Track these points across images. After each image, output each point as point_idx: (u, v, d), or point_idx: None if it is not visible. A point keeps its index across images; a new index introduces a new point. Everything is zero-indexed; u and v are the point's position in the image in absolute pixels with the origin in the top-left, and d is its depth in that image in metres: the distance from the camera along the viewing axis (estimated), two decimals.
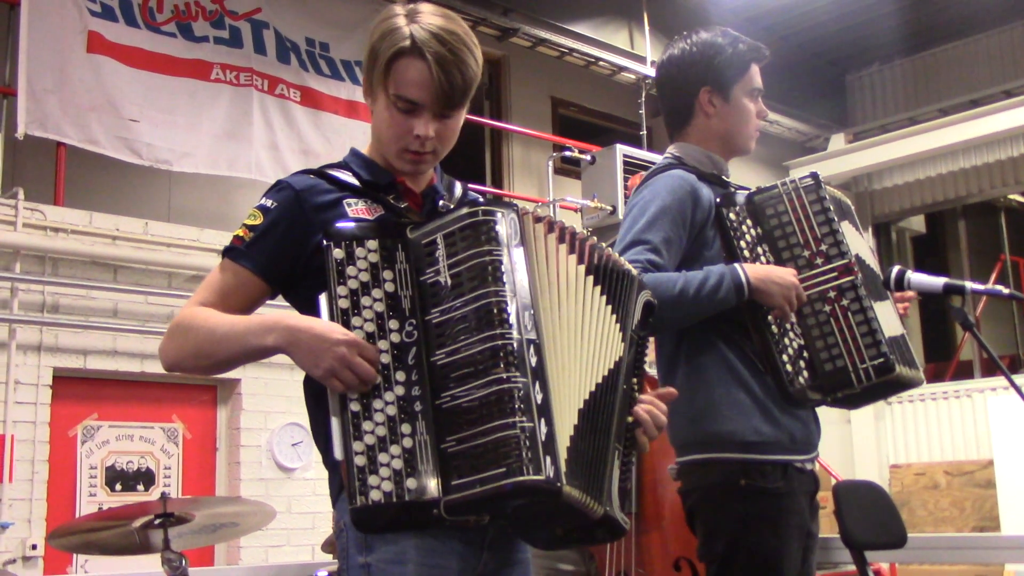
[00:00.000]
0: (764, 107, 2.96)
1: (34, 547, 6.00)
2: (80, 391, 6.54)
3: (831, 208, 2.77)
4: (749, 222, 2.77)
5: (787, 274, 2.66)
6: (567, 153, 8.68)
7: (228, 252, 2.12)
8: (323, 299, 1.96)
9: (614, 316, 2.09)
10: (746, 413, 2.67)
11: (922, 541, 4.16)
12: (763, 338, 2.67)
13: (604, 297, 2.09)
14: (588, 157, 8.46)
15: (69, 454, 6.50)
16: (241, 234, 2.12)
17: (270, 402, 7.16)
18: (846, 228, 2.80)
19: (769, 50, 2.98)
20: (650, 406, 2.10)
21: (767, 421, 2.67)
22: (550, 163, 8.99)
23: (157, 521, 2.76)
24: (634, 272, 2.18)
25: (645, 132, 10.11)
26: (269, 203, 2.12)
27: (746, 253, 2.73)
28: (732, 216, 2.76)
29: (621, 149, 8.46)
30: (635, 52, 10.40)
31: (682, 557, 2.97)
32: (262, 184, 7.57)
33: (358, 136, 7.84)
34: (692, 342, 2.74)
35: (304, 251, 2.03)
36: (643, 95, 10.22)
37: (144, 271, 6.82)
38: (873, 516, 3.40)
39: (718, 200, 2.79)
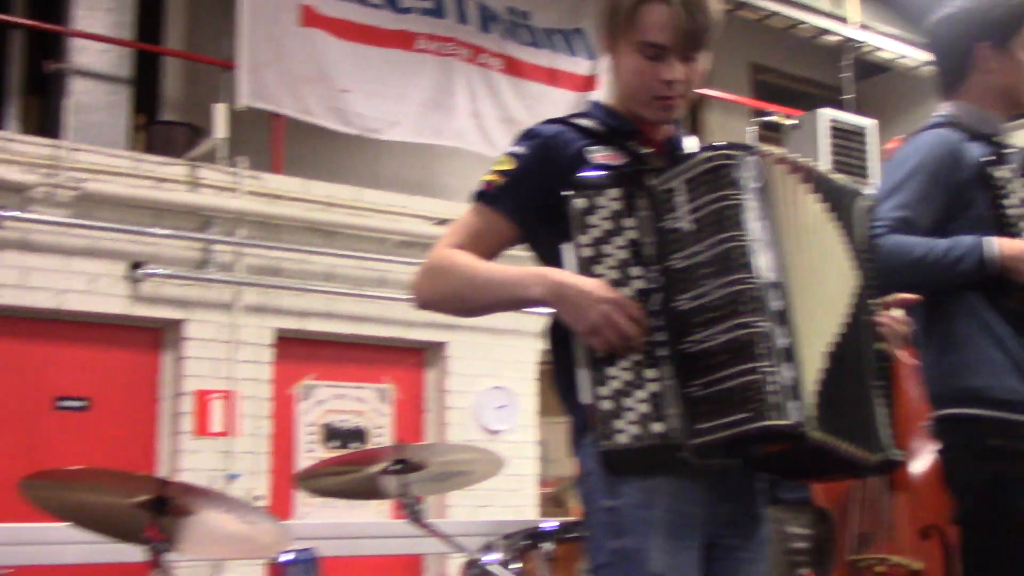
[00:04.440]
0: None
1: (258, 497, 6.32)
2: (299, 351, 6.84)
3: None
4: (1022, 182, 2.68)
5: None
6: (769, 118, 8.48)
7: (481, 196, 2.15)
8: (566, 248, 1.98)
9: (849, 248, 2.06)
10: (1000, 371, 2.58)
11: None
12: (1021, 301, 2.58)
13: (841, 232, 2.05)
14: (793, 121, 8.26)
15: (289, 411, 6.80)
16: (493, 179, 2.14)
17: (476, 365, 7.31)
18: None
19: None
20: (888, 320, 2.09)
21: (1023, 381, 2.58)
22: (750, 129, 8.81)
23: (395, 467, 2.86)
24: (861, 192, 2.15)
25: (853, 96, 9.78)
26: (520, 150, 2.14)
27: (1009, 213, 2.63)
28: (1000, 175, 2.67)
29: (826, 113, 8.23)
30: (838, 14, 10.05)
31: (932, 526, 2.84)
32: (465, 152, 7.74)
33: (560, 104, 7.87)
34: (948, 297, 2.66)
35: (550, 198, 2.04)
36: (848, 58, 9.88)
37: (357, 236, 7.05)
38: None
39: (986, 159, 2.70)
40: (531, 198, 2.11)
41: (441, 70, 7.76)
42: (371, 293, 6.98)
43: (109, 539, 2.97)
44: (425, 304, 2.17)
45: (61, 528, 3.75)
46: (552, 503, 7.85)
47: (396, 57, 7.58)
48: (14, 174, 5.90)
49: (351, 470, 2.99)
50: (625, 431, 1.88)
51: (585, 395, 1.92)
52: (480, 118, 7.88)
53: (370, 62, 7.45)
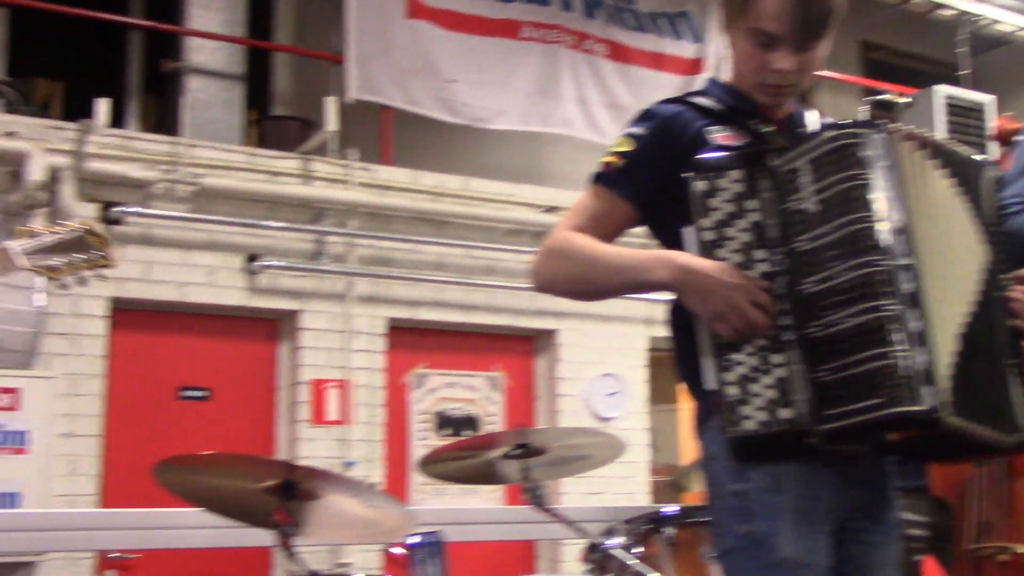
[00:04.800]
0: None
1: (374, 484, 6.41)
2: (411, 340, 6.92)
3: None
4: None
5: None
6: (881, 97, 8.28)
7: (600, 178, 2.14)
8: (687, 232, 1.97)
9: (978, 222, 2.01)
10: None
11: None
12: None
13: (969, 207, 2.00)
14: (907, 99, 8.05)
15: (402, 399, 6.90)
16: (612, 160, 2.13)
17: (586, 352, 7.31)
18: None
19: None
20: (1020, 295, 2.03)
21: None
22: (862, 109, 8.61)
23: (516, 451, 2.88)
24: (987, 163, 2.09)
25: (968, 72, 9.49)
26: (639, 131, 2.13)
27: None
28: None
29: (941, 90, 8.00)
30: None
31: None
32: (572, 139, 7.73)
33: (665, 88, 7.81)
34: None
35: (669, 180, 2.02)
36: (963, 32, 9.60)
37: (466, 225, 7.10)
38: None
39: None
40: (650, 180, 2.10)
41: (546, 57, 7.76)
42: (480, 281, 7.03)
43: (237, 523, 3.05)
44: (545, 287, 2.17)
45: (188, 513, 3.86)
46: (671, 488, 7.82)
47: (502, 46, 7.61)
48: (135, 171, 6.08)
49: (472, 455, 3.02)
50: (752, 417, 1.86)
51: (710, 381, 1.91)
52: (586, 105, 7.86)
53: (476, 52, 7.49)
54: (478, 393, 7.16)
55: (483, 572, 6.10)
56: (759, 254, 1.93)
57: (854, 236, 1.86)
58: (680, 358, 2.11)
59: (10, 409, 5.33)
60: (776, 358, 1.88)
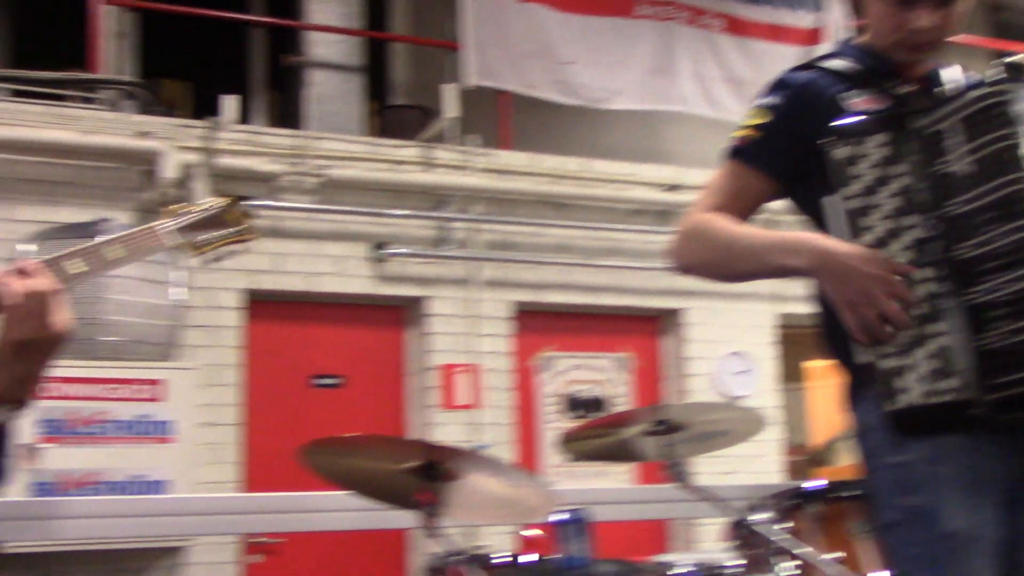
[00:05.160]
0: None
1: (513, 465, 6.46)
2: (537, 323, 6.94)
3: None
4: None
5: None
6: (1012, 59, 7.97)
7: (736, 153, 2.11)
8: (830, 202, 1.92)
9: None
10: None
11: None
12: None
13: None
14: None
15: (530, 382, 6.93)
16: (746, 134, 2.09)
17: (713, 331, 7.23)
18: None
19: None
20: None
21: None
22: (992, 71, 8.32)
23: (657, 428, 2.87)
24: None
25: None
26: (773, 101, 2.08)
27: None
28: None
29: None
30: None
31: None
32: (690, 117, 7.65)
33: (785, 60, 7.65)
34: None
35: (808, 150, 1.98)
36: None
37: (587, 207, 7.09)
38: None
39: None
40: (788, 151, 2.05)
41: (662, 35, 7.68)
42: (604, 263, 7.01)
43: (380, 505, 3.11)
44: (685, 269, 2.15)
45: (330, 496, 3.95)
46: (806, 466, 7.71)
47: (616, 25, 7.55)
48: (263, 165, 6.22)
49: (610, 433, 3.02)
50: (911, 389, 1.81)
51: (863, 355, 1.86)
52: (704, 80, 7.76)
53: (591, 32, 7.45)
54: (605, 374, 7.15)
55: (616, 552, 6.09)
56: (909, 220, 1.87)
57: (1010, 199, 1.79)
58: (828, 331, 2.06)
59: (154, 400, 5.51)
60: (935, 327, 1.82)
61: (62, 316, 1.78)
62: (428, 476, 2.80)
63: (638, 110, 7.62)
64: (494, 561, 2.93)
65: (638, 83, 7.54)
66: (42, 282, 1.78)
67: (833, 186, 1.92)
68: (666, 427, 2.88)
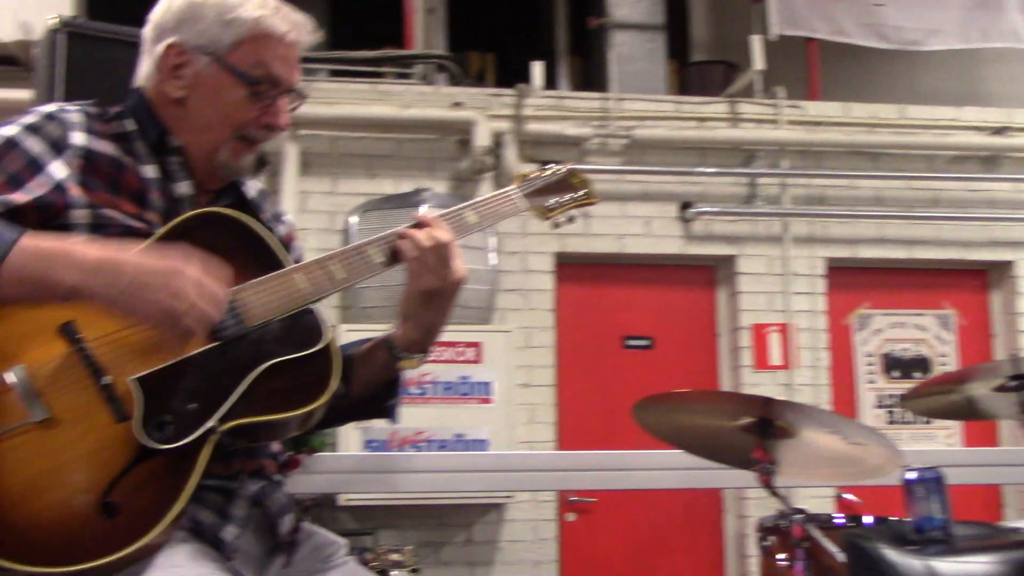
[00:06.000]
0: None
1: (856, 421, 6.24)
2: (851, 280, 6.66)
3: None
4: None
5: None
6: None
7: None
8: None
9: None
10: None
11: None
12: None
13: None
14: None
15: (845, 342, 6.66)
16: None
17: None
18: None
19: None
20: None
21: None
22: None
23: (1012, 383, 2.67)
24: None
25: None
26: None
27: None
28: None
29: None
30: None
31: None
32: (1018, 53, 7.10)
33: None
34: None
35: None
36: None
37: (903, 156, 6.72)
38: None
39: None
40: None
41: None
42: (924, 214, 6.63)
43: (712, 463, 3.06)
44: None
45: (649, 455, 3.95)
46: None
47: None
48: (570, 129, 6.27)
49: (955, 390, 2.83)
50: None
51: None
52: None
53: None
54: (927, 332, 6.77)
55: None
56: None
57: None
58: None
59: (474, 362, 5.70)
60: None
61: (461, 264, 1.88)
62: (764, 433, 2.72)
63: (958, 50, 7.14)
64: (836, 522, 2.82)
65: (957, 20, 7.07)
66: (443, 233, 1.87)
67: None
68: (1020, 383, 2.67)
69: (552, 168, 2.17)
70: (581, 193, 2.19)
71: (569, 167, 2.21)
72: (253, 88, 1.84)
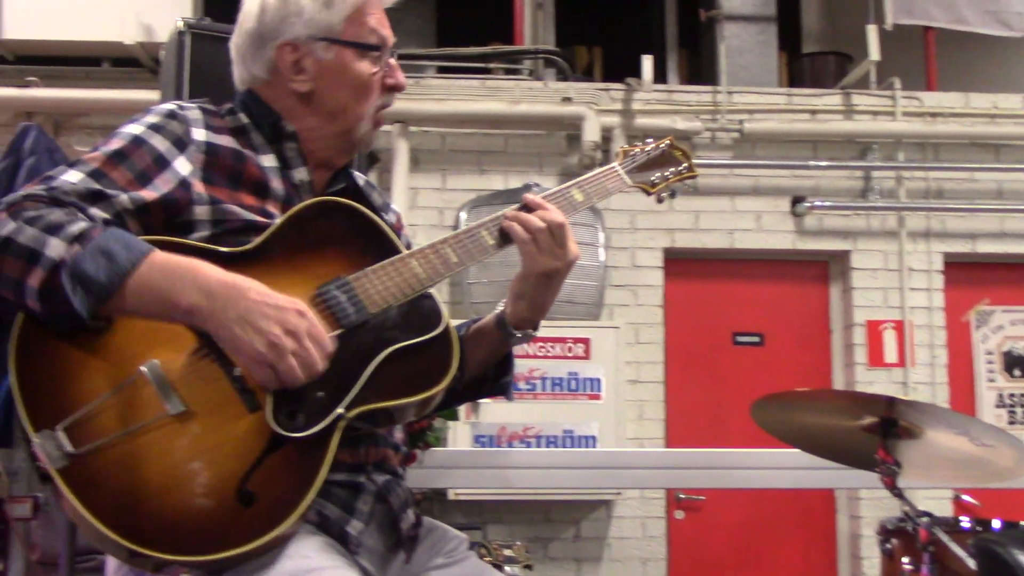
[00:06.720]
0: None
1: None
2: (970, 275, 6.47)
3: None
4: None
5: None
6: None
7: None
8: None
9: None
10: None
11: None
12: None
13: None
14: None
15: (964, 339, 6.48)
16: None
17: None
18: None
19: None
20: None
21: None
22: None
23: None
24: None
25: None
26: None
27: None
28: None
29: None
30: None
31: None
32: None
33: None
34: None
35: None
36: None
37: None
38: None
39: None
40: None
41: None
42: None
43: (824, 463, 3.00)
44: None
45: (759, 454, 3.90)
46: None
47: None
48: (680, 123, 6.20)
49: None
50: None
51: None
52: None
53: None
54: None
55: None
56: None
57: None
58: None
59: (583, 358, 5.69)
60: None
61: (575, 244, 1.88)
62: (887, 433, 2.66)
63: None
64: (963, 526, 2.75)
65: None
66: (555, 214, 1.87)
67: None
68: None
69: (654, 142, 2.15)
70: (684, 166, 2.17)
71: (670, 140, 2.18)
72: (373, 55, 1.88)
